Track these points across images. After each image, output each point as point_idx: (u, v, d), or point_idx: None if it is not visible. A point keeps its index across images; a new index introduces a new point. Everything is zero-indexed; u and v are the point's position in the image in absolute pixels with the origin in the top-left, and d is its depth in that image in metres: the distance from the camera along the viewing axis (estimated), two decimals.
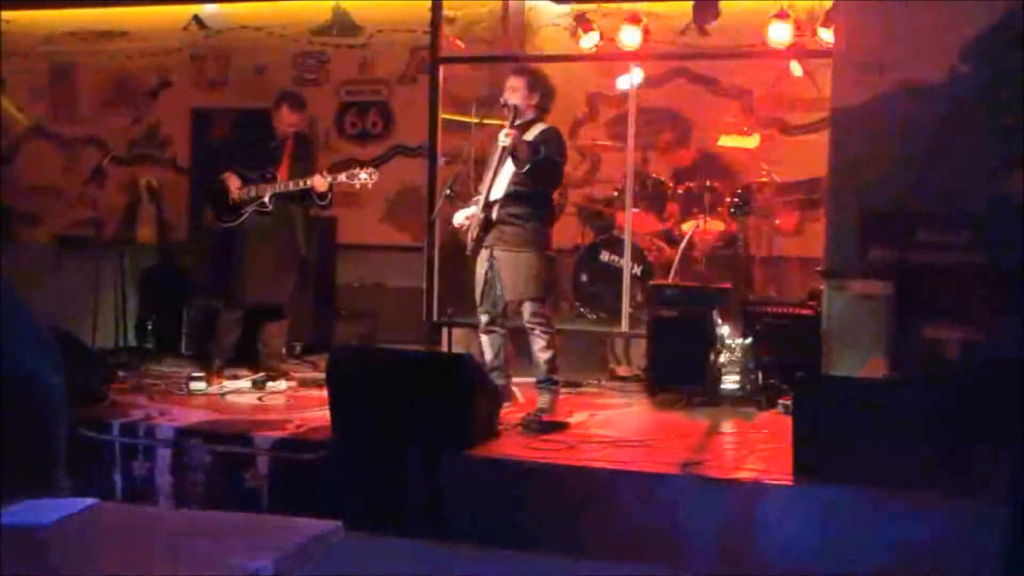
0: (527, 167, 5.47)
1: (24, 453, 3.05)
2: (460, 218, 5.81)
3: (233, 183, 6.69)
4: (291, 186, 6.58)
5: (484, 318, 5.80)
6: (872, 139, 5.59)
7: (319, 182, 6.48)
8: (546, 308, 5.82)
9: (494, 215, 5.61)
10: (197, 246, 8.55)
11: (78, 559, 2.46)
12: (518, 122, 5.66)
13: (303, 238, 6.78)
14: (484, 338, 5.88)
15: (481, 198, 5.66)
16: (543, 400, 5.72)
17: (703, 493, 4.50)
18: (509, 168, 5.59)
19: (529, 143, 5.50)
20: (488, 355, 5.86)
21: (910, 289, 5.28)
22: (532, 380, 5.83)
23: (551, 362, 5.73)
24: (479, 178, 5.80)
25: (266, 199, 6.61)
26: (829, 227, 5.80)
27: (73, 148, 9.63)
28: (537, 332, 5.70)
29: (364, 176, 6.45)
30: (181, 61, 9.32)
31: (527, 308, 5.67)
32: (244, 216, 6.67)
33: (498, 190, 5.61)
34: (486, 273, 5.71)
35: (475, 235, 5.68)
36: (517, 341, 5.99)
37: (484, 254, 5.70)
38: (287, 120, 6.77)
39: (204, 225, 7.93)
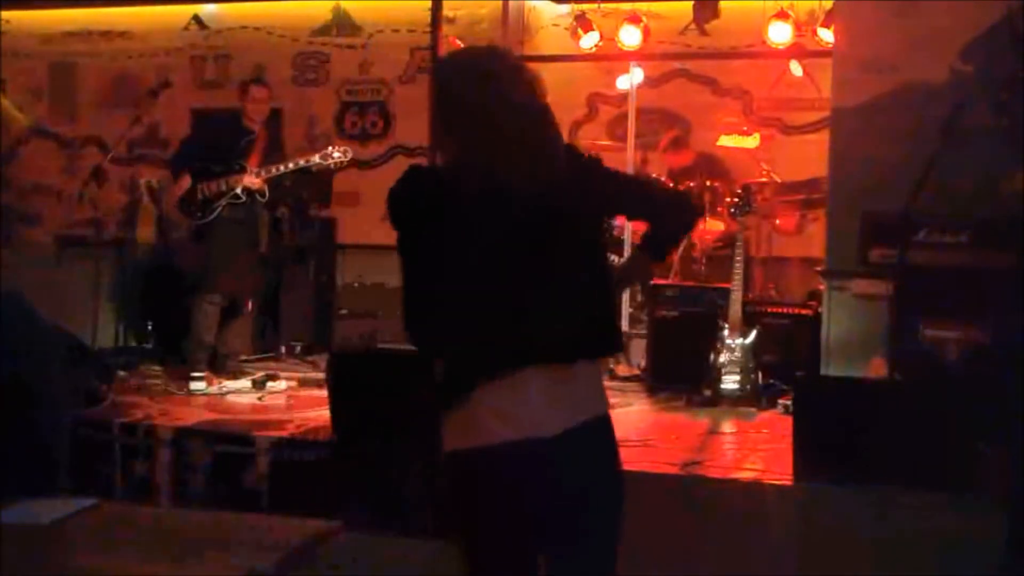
0: None
1: (24, 453, 3.04)
2: None
3: (183, 184, 6.55)
4: (282, 168, 6.48)
5: None
6: (872, 139, 5.58)
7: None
8: None
9: None
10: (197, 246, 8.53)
11: (78, 559, 2.46)
12: None
13: (265, 234, 6.72)
14: None
15: None
16: None
17: (703, 493, 4.49)
18: None
19: None
20: None
21: (910, 289, 5.27)
22: None
23: None
24: None
25: (239, 191, 6.49)
26: (829, 227, 5.80)
27: (73, 148, 9.63)
28: None
29: (338, 154, 6.42)
30: (181, 61, 9.32)
31: None
32: (218, 210, 6.54)
33: None
34: None
35: None
36: None
37: None
38: (258, 96, 6.64)
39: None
